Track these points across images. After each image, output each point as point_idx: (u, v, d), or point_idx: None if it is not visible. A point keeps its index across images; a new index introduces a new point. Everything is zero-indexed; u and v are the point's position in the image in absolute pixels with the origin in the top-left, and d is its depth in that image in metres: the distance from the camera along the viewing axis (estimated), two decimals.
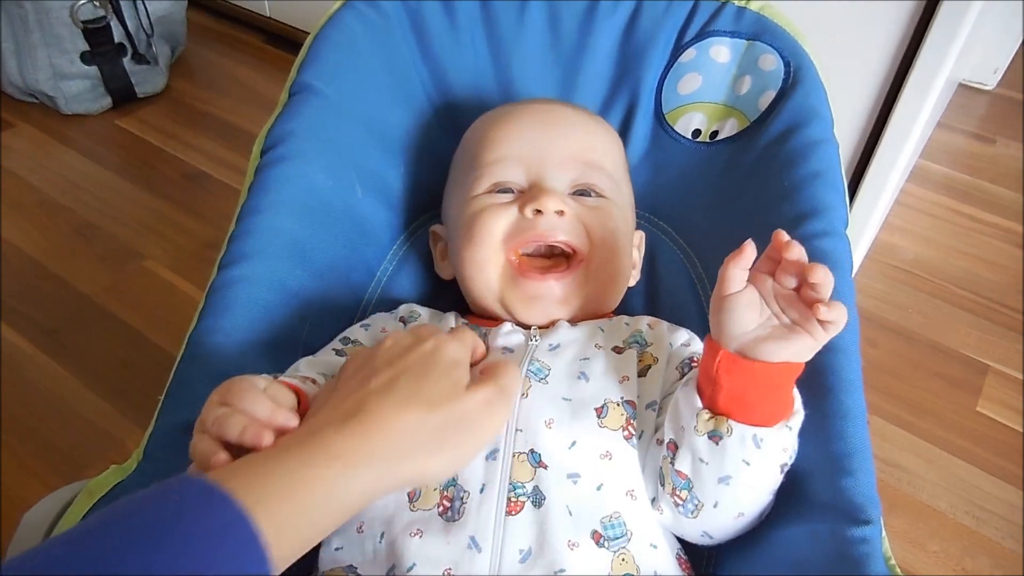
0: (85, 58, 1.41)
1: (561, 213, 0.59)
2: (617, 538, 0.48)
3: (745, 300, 0.47)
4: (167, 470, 0.50)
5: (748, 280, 0.47)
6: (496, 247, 0.60)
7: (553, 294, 0.60)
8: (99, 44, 1.40)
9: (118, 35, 1.41)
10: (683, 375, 0.55)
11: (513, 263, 0.60)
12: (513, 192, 0.62)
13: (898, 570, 0.47)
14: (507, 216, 0.60)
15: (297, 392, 0.46)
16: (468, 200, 0.62)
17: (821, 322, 0.44)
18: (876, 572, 0.46)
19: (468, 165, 0.65)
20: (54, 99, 1.44)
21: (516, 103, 0.69)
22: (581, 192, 0.63)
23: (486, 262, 0.60)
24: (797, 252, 0.45)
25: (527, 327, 0.59)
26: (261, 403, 0.41)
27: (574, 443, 0.51)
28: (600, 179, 0.63)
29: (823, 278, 0.43)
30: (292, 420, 0.41)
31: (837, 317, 0.44)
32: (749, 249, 0.46)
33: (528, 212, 0.59)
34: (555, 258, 0.61)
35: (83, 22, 1.36)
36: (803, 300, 0.45)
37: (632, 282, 0.69)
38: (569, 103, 0.70)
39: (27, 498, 0.86)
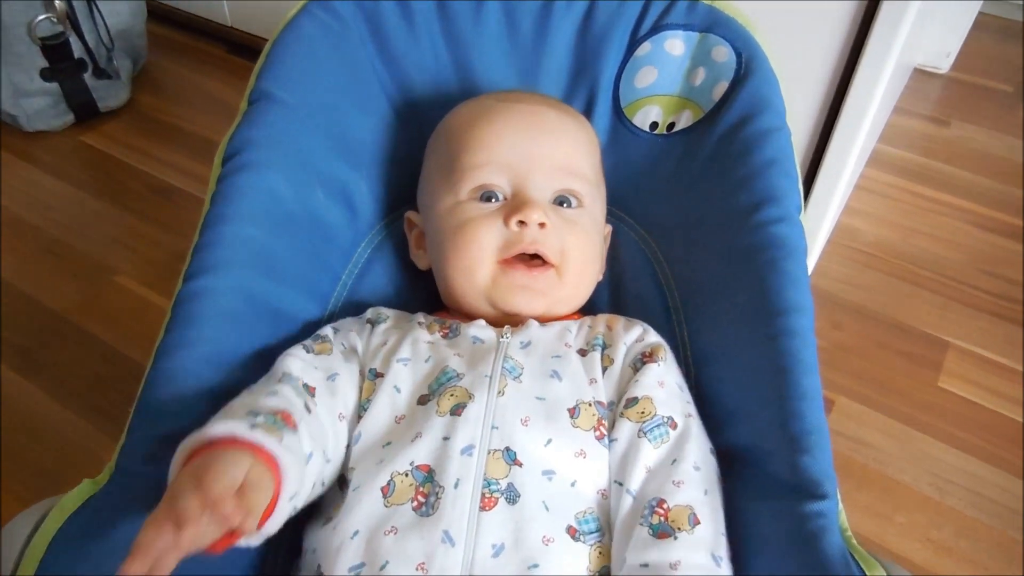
0: (45, 75, 1.39)
1: (543, 225, 0.61)
2: (592, 532, 0.50)
3: None
4: (139, 483, 0.51)
5: None
6: (482, 258, 0.62)
7: (537, 284, 0.62)
8: (58, 60, 1.39)
9: (77, 50, 1.40)
10: (636, 371, 0.57)
11: (499, 262, 0.62)
12: (496, 198, 0.63)
13: (855, 541, 0.49)
14: (493, 228, 0.62)
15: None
16: (452, 206, 0.64)
17: None
18: (832, 543, 0.47)
19: (450, 162, 0.66)
20: (15, 117, 1.42)
21: (500, 96, 0.69)
22: (561, 200, 0.65)
23: (475, 269, 0.62)
24: None
25: (499, 326, 0.61)
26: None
27: (549, 441, 0.52)
28: (580, 186, 0.65)
29: None
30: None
31: None
32: None
33: (513, 224, 0.61)
34: (534, 258, 0.63)
35: (41, 38, 1.35)
36: None
37: (600, 276, 0.70)
38: (552, 102, 0.71)
39: (5, 517, 0.85)
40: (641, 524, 0.49)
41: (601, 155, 0.77)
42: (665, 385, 0.57)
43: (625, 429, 0.54)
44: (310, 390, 0.53)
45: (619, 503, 0.51)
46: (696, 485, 0.51)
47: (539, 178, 0.63)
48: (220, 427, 0.44)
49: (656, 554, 0.47)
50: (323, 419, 0.53)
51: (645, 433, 0.53)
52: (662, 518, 0.49)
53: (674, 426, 0.54)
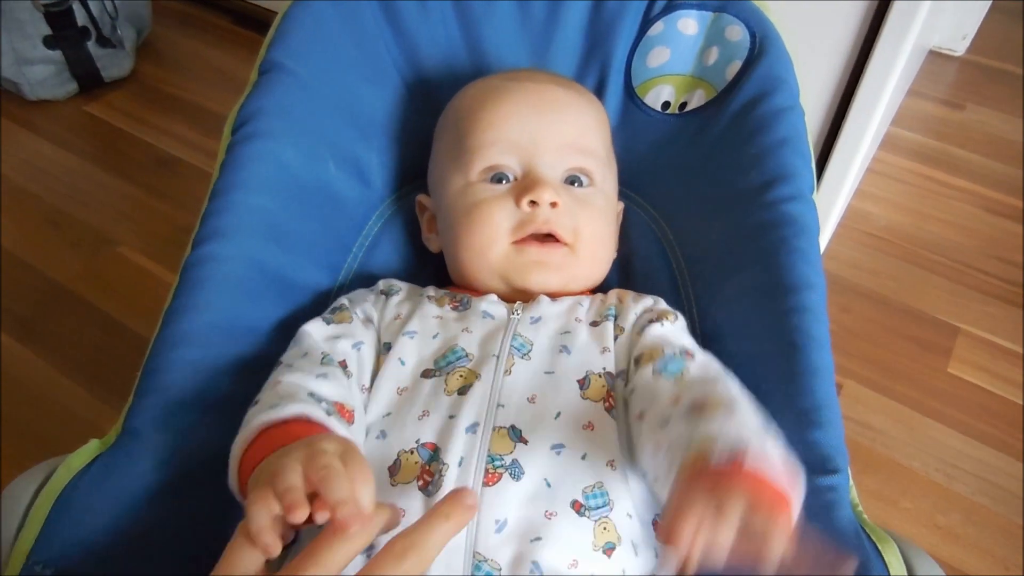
0: (48, 42, 1.37)
1: (555, 205, 0.61)
2: (599, 507, 0.49)
3: None
4: (146, 443, 0.52)
5: None
6: (495, 238, 0.61)
7: (552, 258, 0.61)
8: (62, 28, 1.37)
9: (81, 18, 1.39)
10: (641, 334, 0.57)
11: (512, 242, 0.62)
12: (507, 179, 0.63)
13: (865, 516, 0.49)
14: (505, 209, 0.61)
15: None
16: (463, 187, 0.63)
17: None
18: (843, 517, 0.47)
19: (459, 143, 0.65)
20: (18, 85, 1.41)
21: (508, 76, 0.69)
22: (572, 179, 0.64)
23: (487, 250, 0.62)
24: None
25: (511, 302, 0.60)
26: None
27: (558, 414, 0.52)
28: (591, 164, 0.65)
29: None
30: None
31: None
32: None
33: (524, 205, 0.60)
34: (547, 237, 0.62)
35: (44, 5, 1.33)
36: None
37: (614, 254, 0.70)
38: (560, 80, 0.70)
39: (4, 484, 0.85)
40: (673, 417, 0.46)
41: (612, 134, 0.76)
42: (670, 335, 0.56)
43: (640, 374, 0.53)
44: (342, 364, 0.54)
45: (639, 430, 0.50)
46: (733, 384, 0.50)
47: (549, 157, 0.63)
48: (294, 407, 0.46)
49: (699, 426, 0.44)
50: (356, 398, 0.53)
51: (660, 372, 0.52)
52: (694, 406, 0.46)
53: (690, 355, 0.53)
